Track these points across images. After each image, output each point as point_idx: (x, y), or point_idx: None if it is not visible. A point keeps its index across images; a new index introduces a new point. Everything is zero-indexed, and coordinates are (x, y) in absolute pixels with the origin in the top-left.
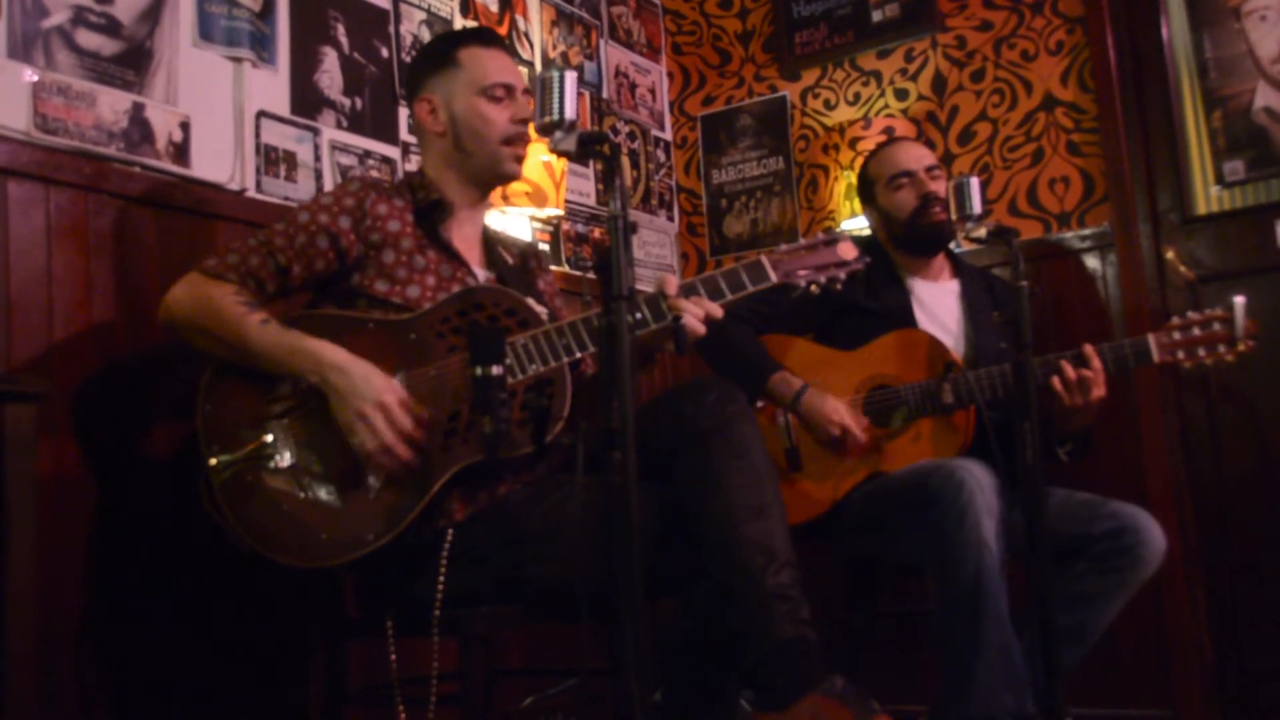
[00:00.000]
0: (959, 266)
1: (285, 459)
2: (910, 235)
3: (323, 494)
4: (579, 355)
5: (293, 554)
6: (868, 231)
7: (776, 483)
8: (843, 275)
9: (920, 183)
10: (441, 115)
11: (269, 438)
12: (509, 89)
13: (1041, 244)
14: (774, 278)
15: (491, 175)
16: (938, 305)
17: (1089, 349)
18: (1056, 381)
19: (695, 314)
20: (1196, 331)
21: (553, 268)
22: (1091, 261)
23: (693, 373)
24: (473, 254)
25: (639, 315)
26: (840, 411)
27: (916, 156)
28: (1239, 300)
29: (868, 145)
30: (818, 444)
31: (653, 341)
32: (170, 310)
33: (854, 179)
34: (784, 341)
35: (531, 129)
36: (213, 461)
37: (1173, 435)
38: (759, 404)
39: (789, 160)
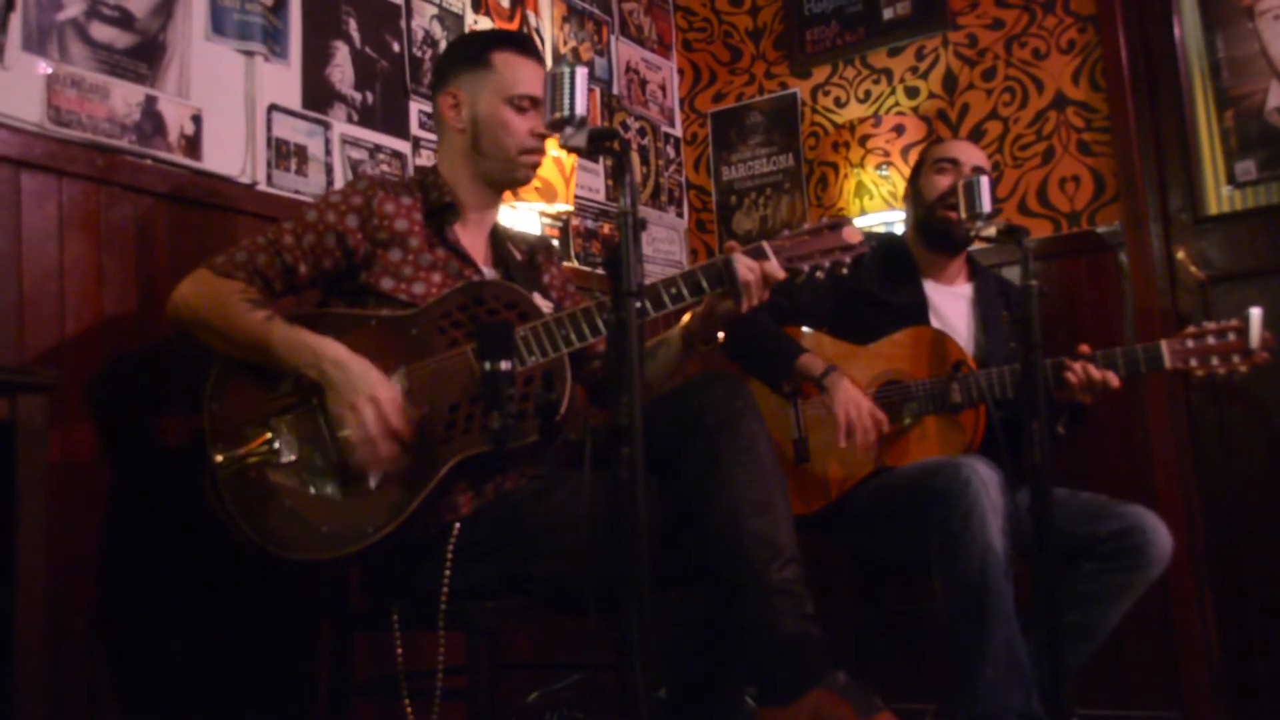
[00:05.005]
0: (975, 270)
1: (288, 455)
2: (927, 222)
3: (325, 488)
4: (578, 345)
5: (294, 548)
6: (879, 229)
7: (782, 478)
8: (847, 260)
9: (959, 176)
10: (464, 113)
11: (272, 434)
12: (535, 101)
13: (1052, 243)
14: (776, 263)
15: (504, 180)
16: (949, 308)
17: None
18: (1071, 376)
19: (751, 265)
20: (1211, 340)
21: (562, 263)
22: (1102, 261)
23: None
24: (480, 253)
25: (673, 290)
26: (860, 402)
27: (969, 154)
28: (1256, 311)
29: (878, 143)
30: (826, 436)
31: (715, 313)
32: (177, 307)
33: (864, 176)
34: (799, 334)
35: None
36: (218, 458)
37: (1182, 435)
38: (786, 388)
39: (799, 157)
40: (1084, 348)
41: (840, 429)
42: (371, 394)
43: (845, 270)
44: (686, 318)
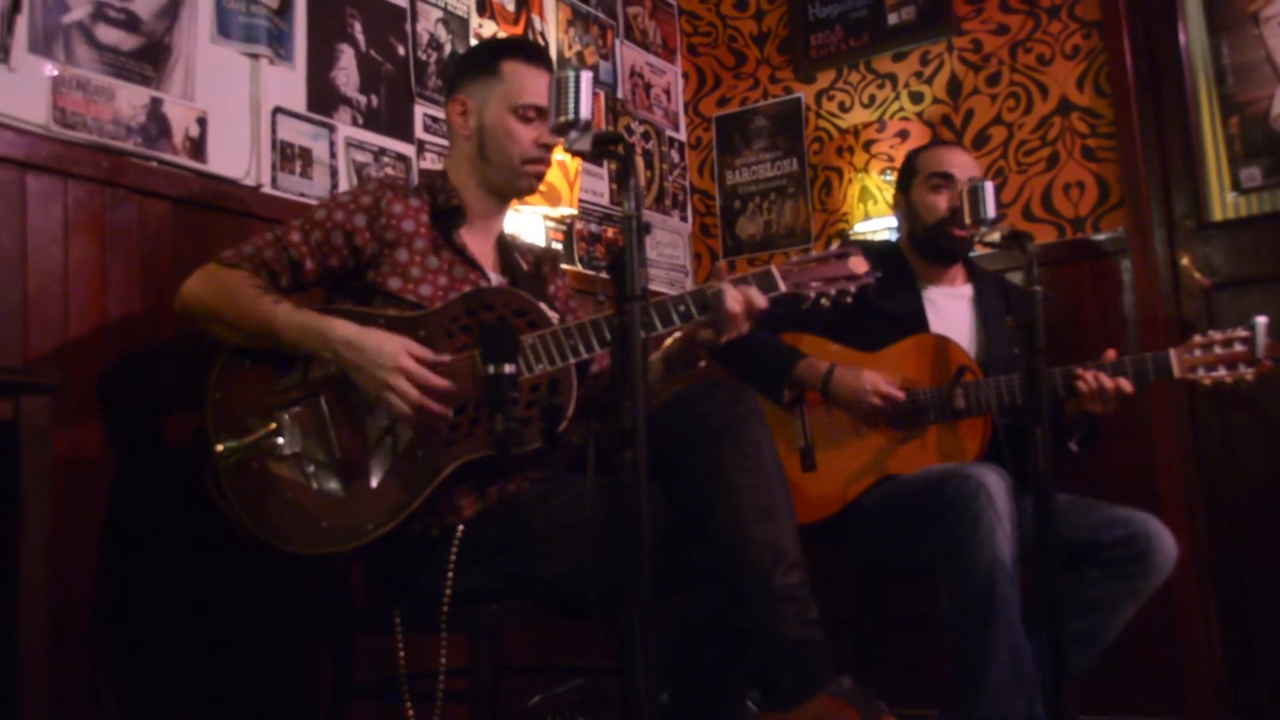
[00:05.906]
0: (974, 272)
1: (290, 447)
2: (930, 241)
3: (327, 483)
4: (586, 356)
5: (292, 541)
6: (882, 235)
7: (785, 483)
8: (852, 288)
9: (958, 192)
10: (471, 121)
11: (275, 426)
12: (541, 111)
13: (1056, 249)
14: (783, 287)
15: (508, 188)
16: (950, 311)
17: (1124, 382)
18: (1082, 385)
19: (735, 296)
20: (1218, 350)
21: (565, 267)
22: (1106, 267)
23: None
24: (488, 259)
25: (681, 308)
26: (874, 380)
27: (963, 165)
28: (1261, 320)
29: (882, 148)
30: (833, 443)
31: (694, 340)
32: (185, 299)
33: (868, 181)
34: (800, 340)
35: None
36: (219, 448)
37: (1185, 442)
38: (787, 397)
39: (803, 162)
40: (1111, 353)
41: (864, 414)
42: (395, 364)
43: (849, 299)
44: (668, 341)
